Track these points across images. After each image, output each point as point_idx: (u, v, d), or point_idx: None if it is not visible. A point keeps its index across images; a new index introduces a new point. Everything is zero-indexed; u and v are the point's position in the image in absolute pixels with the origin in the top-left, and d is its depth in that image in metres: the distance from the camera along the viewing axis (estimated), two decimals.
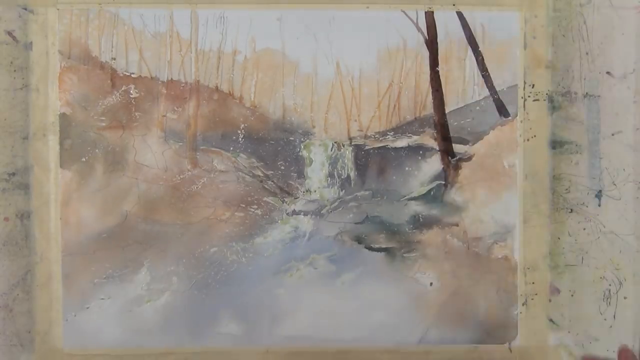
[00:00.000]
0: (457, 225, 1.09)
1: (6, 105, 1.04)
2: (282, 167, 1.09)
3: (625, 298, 1.08)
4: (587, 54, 1.07)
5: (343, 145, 1.09)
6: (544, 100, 1.08)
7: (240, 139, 1.08)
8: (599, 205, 1.08)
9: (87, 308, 1.06)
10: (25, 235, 1.05)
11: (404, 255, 1.09)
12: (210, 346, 1.07)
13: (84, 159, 1.06)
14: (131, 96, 1.06)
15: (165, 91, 1.07)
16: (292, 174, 1.09)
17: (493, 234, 1.09)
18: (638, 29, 1.07)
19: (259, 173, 1.08)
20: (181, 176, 1.07)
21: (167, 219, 1.07)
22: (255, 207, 1.08)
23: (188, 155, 1.08)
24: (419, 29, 1.08)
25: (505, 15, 1.08)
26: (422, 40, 1.08)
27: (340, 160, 1.10)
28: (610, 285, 1.08)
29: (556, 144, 1.08)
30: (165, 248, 1.07)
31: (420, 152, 1.09)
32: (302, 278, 1.08)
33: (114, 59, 1.06)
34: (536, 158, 1.08)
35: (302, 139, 1.09)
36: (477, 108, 1.09)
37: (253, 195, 1.09)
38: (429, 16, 1.07)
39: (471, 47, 1.08)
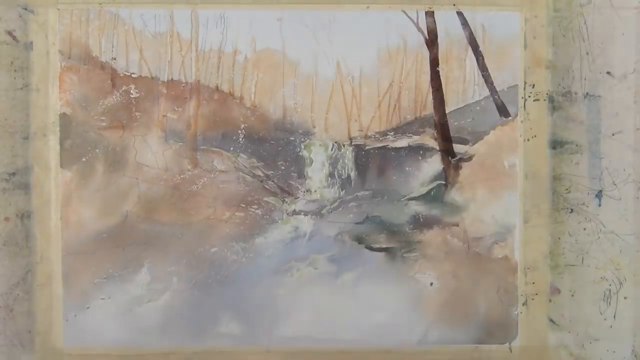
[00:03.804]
0: (457, 225, 1.09)
1: (6, 105, 1.04)
2: (283, 167, 1.09)
3: (625, 298, 1.08)
4: (587, 54, 1.07)
5: (343, 145, 1.09)
6: (544, 100, 1.08)
7: (240, 139, 1.08)
8: (599, 205, 1.08)
9: (88, 308, 1.06)
10: (25, 235, 1.05)
11: (404, 255, 1.09)
12: (211, 346, 1.07)
13: (84, 159, 1.06)
14: (131, 96, 1.06)
15: (165, 91, 1.07)
16: (292, 174, 1.09)
17: (493, 234, 1.09)
18: (638, 29, 1.07)
19: (260, 173, 1.08)
20: (181, 176, 1.07)
21: (168, 219, 1.07)
22: (256, 207, 1.08)
23: (188, 155, 1.08)
24: (419, 29, 1.08)
25: (505, 15, 1.08)
26: (422, 40, 1.08)
27: (341, 160, 1.10)
28: (610, 285, 1.08)
29: (556, 144, 1.08)
30: (166, 248, 1.07)
31: (421, 152, 1.09)
32: (302, 278, 1.08)
33: (114, 59, 1.06)
34: (536, 158, 1.08)
35: (302, 139, 1.09)
36: (478, 108, 1.09)
37: (253, 195, 1.09)
38: (429, 16, 1.07)
39: (471, 47, 1.08)
